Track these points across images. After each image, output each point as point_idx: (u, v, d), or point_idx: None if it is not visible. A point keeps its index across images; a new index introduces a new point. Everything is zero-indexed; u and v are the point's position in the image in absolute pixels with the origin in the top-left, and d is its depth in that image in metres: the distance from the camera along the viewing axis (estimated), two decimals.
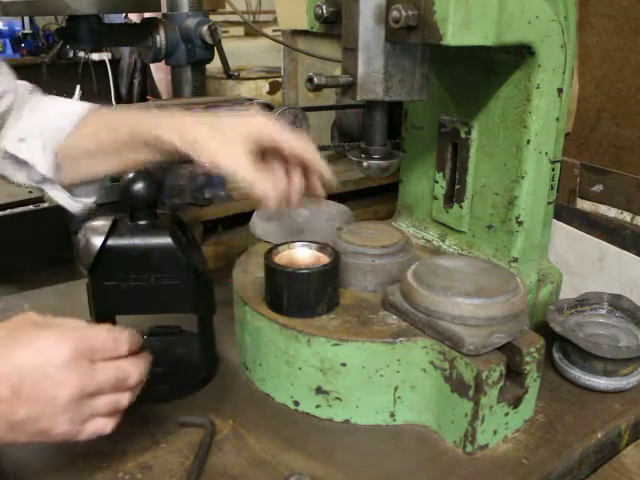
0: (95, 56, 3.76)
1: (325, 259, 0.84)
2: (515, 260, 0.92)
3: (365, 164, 0.88)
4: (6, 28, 3.89)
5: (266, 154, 0.79)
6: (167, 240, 0.78)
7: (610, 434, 0.79)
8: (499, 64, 0.87)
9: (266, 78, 2.58)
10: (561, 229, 1.11)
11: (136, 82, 3.58)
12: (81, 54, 3.64)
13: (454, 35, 0.70)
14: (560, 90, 0.86)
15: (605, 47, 1.05)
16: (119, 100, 3.73)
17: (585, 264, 1.08)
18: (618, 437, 0.81)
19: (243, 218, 1.25)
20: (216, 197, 1.26)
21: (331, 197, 1.29)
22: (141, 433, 0.77)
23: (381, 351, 0.76)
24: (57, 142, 0.85)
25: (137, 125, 0.81)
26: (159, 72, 2.78)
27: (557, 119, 0.88)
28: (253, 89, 2.55)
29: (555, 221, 1.06)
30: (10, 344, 0.58)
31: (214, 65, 1.75)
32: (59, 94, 0.95)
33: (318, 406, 0.80)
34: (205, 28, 1.54)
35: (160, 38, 1.54)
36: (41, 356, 0.57)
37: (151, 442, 0.76)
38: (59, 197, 0.89)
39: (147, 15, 1.70)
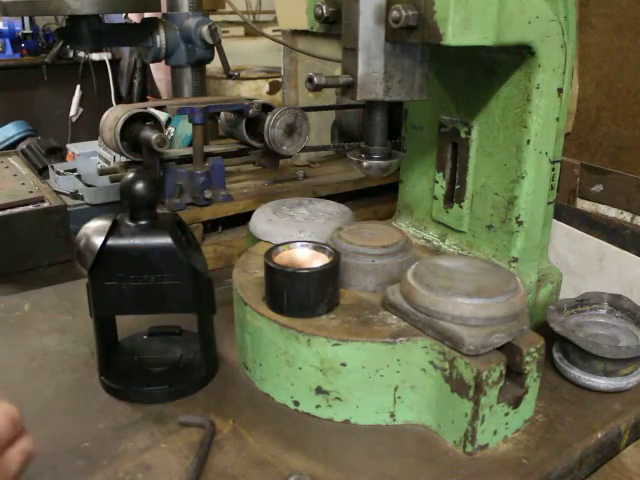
0: (95, 56, 3.76)
1: (325, 259, 0.84)
2: (515, 260, 0.92)
3: (365, 164, 0.88)
4: (6, 28, 3.89)
5: None
6: (167, 240, 0.78)
7: (610, 434, 0.79)
8: (499, 64, 0.87)
9: (266, 78, 2.59)
10: (561, 229, 1.11)
11: (136, 82, 3.58)
12: (81, 54, 3.64)
13: (454, 35, 0.70)
14: (560, 90, 0.86)
15: (605, 47, 1.05)
16: (119, 100, 3.73)
17: (585, 264, 1.08)
18: (618, 437, 0.80)
19: (243, 218, 1.25)
20: (216, 197, 1.26)
21: (331, 197, 1.30)
22: (141, 433, 0.77)
23: (381, 351, 0.76)
24: None
25: None
26: (159, 72, 2.78)
27: (557, 119, 0.88)
28: (253, 89, 2.55)
29: (555, 221, 1.06)
30: None
31: (214, 65, 1.75)
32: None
33: (318, 406, 0.80)
34: (205, 28, 1.54)
35: (160, 38, 1.54)
36: None
37: (151, 442, 0.76)
38: None
39: (147, 15, 1.69)
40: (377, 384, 0.78)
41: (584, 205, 1.12)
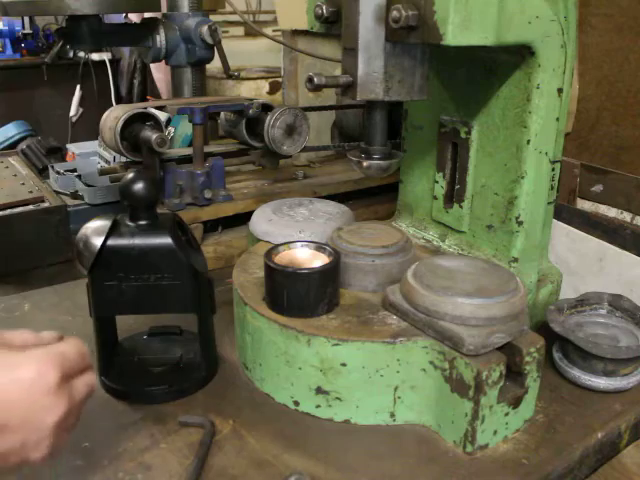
0: (95, 56, 3.75)
1: (325, 259, 0.84)
2: (515, 260, 0.92)
3: (365, 164, 0.88)
4: (6, 28, 3.88)
5: None
6: (167, 240, 0.78)
7: (610, 434, 0.79)
8: (499, 64, 0.87)
9: (266, 78, 2.58)
10: (561, 229, 1.11)
11: (136, 82, 3.58)
12: (81, 54, 3.64)
13: (454, 35, 0.70)
14: (560, 90, 0.86)
15: (605, 47, 1.05)
16: (119, 100, 3.72)
17: (585, 264, 1.08)
18: (618, 437, 0.80)
19: (243, 218, 1.25)
20: (216, 197, 1.26)
21: (331, 197, 1.30)
22: (141, 433, 0.77)
23: (381, 351, 0.76)
24: None
25: None
26: (159, 72, 2.78)
27: (557, 119, 0.88)
28: (253, 89, 2.55)
29: (555, 221, 1.06)
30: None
31: (214, 65, 1.75)
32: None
33: (318, 406, 0.80)
34: (205, 28, 1.54)
35: (160, 38, 1.54)
36: (26, 387, 0.55)
37: (151, 442, 0.76)
38: None
39: (147, 15, 1.69)
40: (377, 384, 0.78)
41: (584, 205, 1.12)
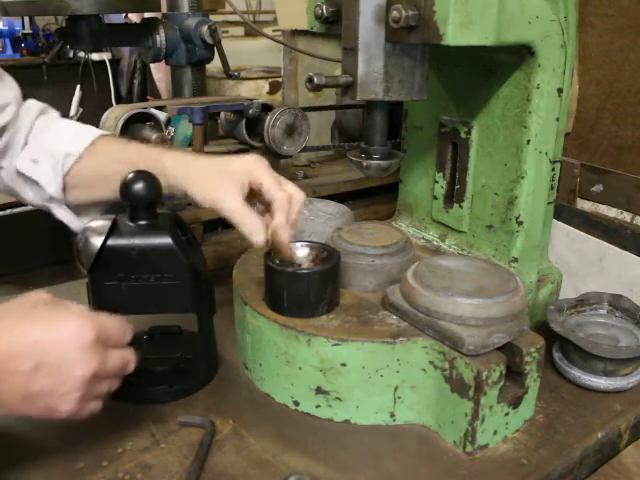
0: (95, 56, 3.75)
1: (325, 259, 0.84)
2: (515, 260, 0.92)
3: (365, 164, 0.88)
4: (6, 28, 3.88)
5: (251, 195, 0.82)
6: (167, 240, 0.78)
7: (610, 434, 0.79)
8: (499, 64, 0.87)
9: (266, 78, 2.59)
10: (561, 229, 1.11)
11: (136, 82, 3.57)
12: (81, 54, 3.63)
13: (454, 35, 0.70)
14: (560, 90, 0.86)
15: (605, 47, 1.05)
16: (119, 100, 3.72)
17: (585, 264, 1.08)
18: (618, 437, 0.80)
19: None
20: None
21: (331, 197, 1.30)
22: (141, 433, 0.77)
23: (381, 351, 0.76)
24: (66, 166, 0.91)
25: (146, 158, 0.87)
26: (159, 72, 2.78)
27: (557, 119, 0.88)
28: (253, 89, 2.55)
29: (555, 221, 1.06)
30: (29, 322, 0.62)
31: (214, 65, 1.75)
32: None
33: (318, 406, 0.80)
34: (205, 28, 1.54)
35: (160, 38, 1.54)
36: (64, 336, 0.61)
37: (151, 442, 0.76)
38: (63, 216, 0.95)
39: (147, 15, 1.70)
40: (377, 384, 0.78)
41: (584, 205, 1.12)
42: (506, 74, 0.87)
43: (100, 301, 0.81)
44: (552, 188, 0.95)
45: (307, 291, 0.80)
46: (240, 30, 3.23)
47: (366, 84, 0.79)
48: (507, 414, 0.75)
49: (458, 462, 0.73)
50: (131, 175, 0.79)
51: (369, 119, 0.86)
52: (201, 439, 0.75)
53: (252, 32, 2.99)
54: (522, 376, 0.75)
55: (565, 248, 1.11)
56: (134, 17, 2.34)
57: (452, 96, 0.97)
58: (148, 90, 3.42)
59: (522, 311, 0.77)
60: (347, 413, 0.80)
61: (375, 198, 1.49)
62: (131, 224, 0.80)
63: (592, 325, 0.92)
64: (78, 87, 3.82)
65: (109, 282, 0.79)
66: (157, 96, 2.87)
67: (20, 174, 0.92)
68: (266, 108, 1.31)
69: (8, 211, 1.25)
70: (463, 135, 0.95)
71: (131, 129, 1.19)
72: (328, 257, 0.84)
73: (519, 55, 0.83)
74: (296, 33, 1.74)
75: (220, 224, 1.30)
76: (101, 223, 0.80)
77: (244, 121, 1.34)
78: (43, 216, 1.19)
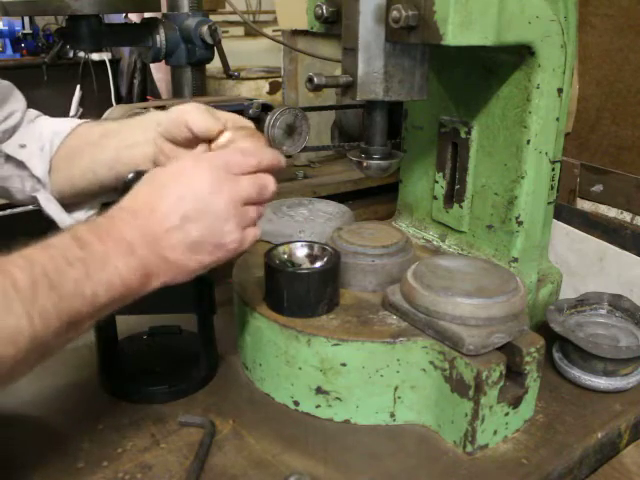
0: (95, 56, 3.75)
1: (325, 259, 0.84)
2: (515, 260, 0.92)
3: (365, 164, 0.88)
4: (6, 28, 3.88)
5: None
6: None
7: (610, 434, 0.79)
8: (499, 64, 0.87)
9: (266, 78, 2.59)
10: (561, 229, 1.11)
11: (136, 82, 3.58)
12: (81, 54, 3.63)
13: (454, 35, 0.70)
14: (560, 90, 0.86)
15: (605, 47, 1.05)
16: (119, 100, 3.72)
17: (585, 264, 1.08)
18: (618, 437, 0.80)
19: None
20: None
21: (331, 197, 1.30)
22: (141, 433, 0.77)
23: (381, 351, 0.76)
24: (54, 144, 0.90)
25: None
26: (159, 72, 2.78)
27: (557, 119, 0.88)
28: (253, 89, 2.55)
29: (555, 221, 1.06)
30: (159, 187, 0.66)
31: (214, 65, 1.75)
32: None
33: (318, 406, 0.80)
34: (205, 28, 1.54)
35: (160, 38, 1.54)
36: (189, 181, 0.65)
37: (151, 442, 0.76)
38: (50, 208, 0.92)
39: (147, 15, 1.70)
40: (377, 384, 0.78)
41: (584, 205, 1.12)
42: (506, 74, 0.87)
43: None
44: (552, 188, 0.95)
45: (307, 291, 0.80)
46: (240, 30, 3.23)
47: (366, 84, 0.79)
48: (507, 414, 0.75)
49: (458, 462, 0.73)
50: (131, 175, 0.79)
51: (369, 119, 0.86)
52: (201, 439, 0.75)
53: (252, 32, 3.00)
54: (522, 376, 0.75)
55: (565, 248, 1.11)
56: (134, 17, 2.34)
57: (452, 96, 0.97)
58: (148, 90, 3.42)
59: (522, 311, 0.77)
60: (347, 413, 0.80)
61: (375, 198, 1.49)
62: None
63: (592, 325, 0.92)
64: (78, 87, 3.82)
65: None
66: (157, 96, 2.87)
67: (8, 158, 0.90)
68: (266, 108, 1.31)
69: (8, 211, 1.25)
70: (463, 135, 0.95)
71: None
72: (328, 257, 0.84)
73: (519, 55, 0.83)
74: (296, 33, 1.74)
75: None
76: None
77: None
78: (43, 216, 1.18)
